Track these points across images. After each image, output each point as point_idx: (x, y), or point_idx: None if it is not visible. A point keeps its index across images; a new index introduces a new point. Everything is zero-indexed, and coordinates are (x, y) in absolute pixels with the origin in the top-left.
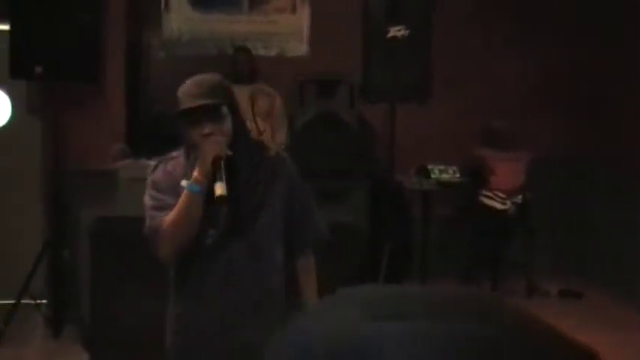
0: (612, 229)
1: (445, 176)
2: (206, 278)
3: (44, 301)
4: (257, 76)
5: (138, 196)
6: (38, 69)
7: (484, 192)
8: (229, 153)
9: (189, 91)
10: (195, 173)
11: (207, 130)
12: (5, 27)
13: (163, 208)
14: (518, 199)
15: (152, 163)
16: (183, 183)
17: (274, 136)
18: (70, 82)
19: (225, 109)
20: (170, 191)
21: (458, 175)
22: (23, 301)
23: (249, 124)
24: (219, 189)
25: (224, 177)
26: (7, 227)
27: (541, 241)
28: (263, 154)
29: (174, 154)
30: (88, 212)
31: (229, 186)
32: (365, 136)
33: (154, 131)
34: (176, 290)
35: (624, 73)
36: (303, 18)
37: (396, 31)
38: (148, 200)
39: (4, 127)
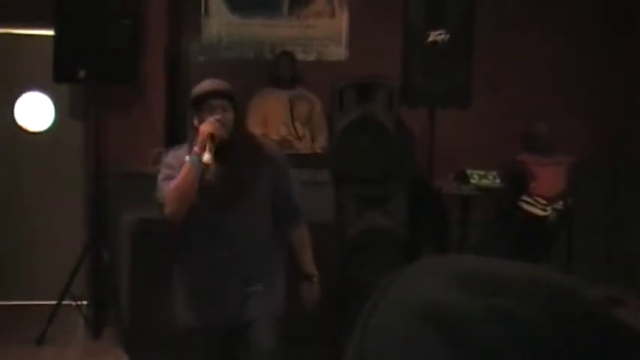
0: None
1: (485, 181)
2: (204, 245)
3: (85, 302)
4: (298, 81)
5: None
6: (81, 73)
7: (524, 198)
8: (224, 136)
9: (203, 84)
10: (195, 148)
11: (216, 116)
12: (49, 32)
13: (171, 177)
14: (560, 204)
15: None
16: (186, 158)
17: (314, 141)
18: (112, 86)
19: (229, 104)
20: (177, 168)
21: (498, 181)
22: (64, 302)
23: (288, 129)
24: (206, 158)
25: (213, 150)
26: (49, 229)
27: (582, 247)
28: (256, 147)
29: (183, 145)
30: (129, 214)
31: (220, 163)
32: (404, 141)
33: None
34: (182, 263)
35: None
36: (342, 22)
37: (436, 36)
38: (160, 175)
39: (47, 130)
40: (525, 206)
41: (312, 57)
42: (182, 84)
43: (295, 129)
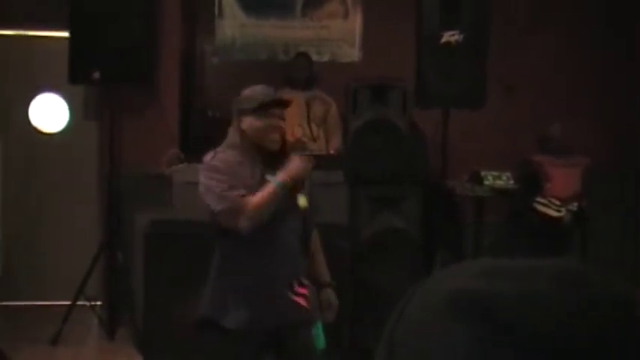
0: None
1: (499, 182)
2: (265, 250)
3: (99, 303)
4: (314, 83)
5: (192, 200)
6: (96, 74)
7: (539, 199)
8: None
9: (263, 90)
10: (286, 177)
11: (281, 124)
12: (64, 34)
13: (235, 187)
14: (574, 206)
15: (207, 156)
16: (269, 177)
17: (329, 143)
18: (126, 87)
19: (284, 113)
20: (231, 175)
21: (512, 182)
22: (79, 303)
23: (304, 130)
24: (302, 201)
25: (307, 190)
26: (64, 230)
27: (596, 250)
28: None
29: (219, 149)
30: (143, 215)
31: (275, 170)
32: (418, 142)
33: (208, 136)
34: (238, 266)
35: None
36: (355, 23)
37: (450, 36)
38: (214, 183)
39: (62, 131)
40: (540, 207)
41: (325, 58)
42: (196, 85)
43: (311, 130)
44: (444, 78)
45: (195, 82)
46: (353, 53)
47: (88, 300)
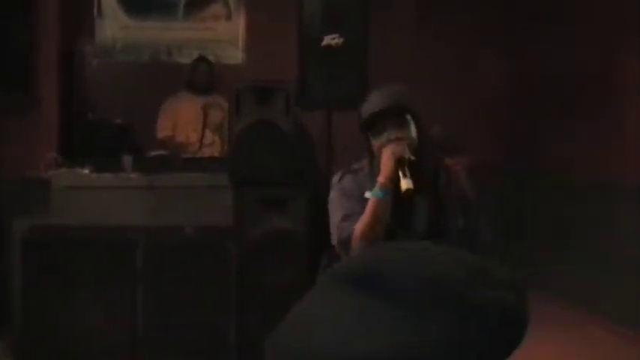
0: (549, 234)
1: None
2: None
3: None
4: (214, 88)
5: (72, 205)
6: None
7: None
8: (412, 158)
9: (372, 99)
10: (380, 178)
11: (392, 136)
12: None
13: (351, 216)
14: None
15: (336, 175)
16: (367, 194)
17: (224, 149)
18: (2, 91)
19: (408, 117)
20: (358, 200)
21: None
22: None
23: (198, 135)
24: (405, 184)
25: (408, 173)
26: None
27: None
28: (441, 165)
29: (355, 166)
30: (21, 221)
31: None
32: (303, 144)
33: (89, 139)
34: None
35: (556, 85)
36: (238, 25)
37: (331, 39)
38: (336, 210)
39: None
40: None
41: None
42: (77, 88)
43: (203, 136)
44: (326, 80)
45: (75, 84)
46: (237, 55)
47: None
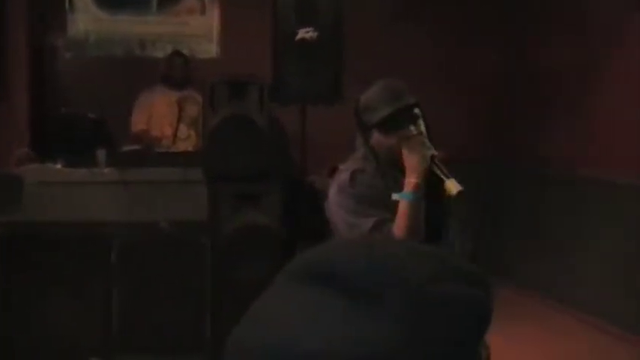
0: (517, 225)
1: None
2: None
3: None
4: (189, 83)
5: (44, 201)
6: None
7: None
8: (435, 153)
9: (380, 97)
10: (412, 179)
11: (412, 132)
12: None
13: (384, 222)
14: None
15: (342, 175)
16: (395, 196)
17: (200, 144)
18: None
19: (418, 110)
20: (380, 205)
21: None
22: None
23: (173, 130)
24: (453, 186)
25: (448, 172)
26: None
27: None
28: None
29: (352, 164)
30: None
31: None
32: (277, 138)
33: (61, 134)
34: None
35: (527, 76)
36: (213, 19)
37: (305, 33)
38: (357, 218)
39: None
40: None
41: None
42: (49, 82)
43: (177, 130)
44: (300, 74)
45: (47, 78)
46: (211, 49)
47: None
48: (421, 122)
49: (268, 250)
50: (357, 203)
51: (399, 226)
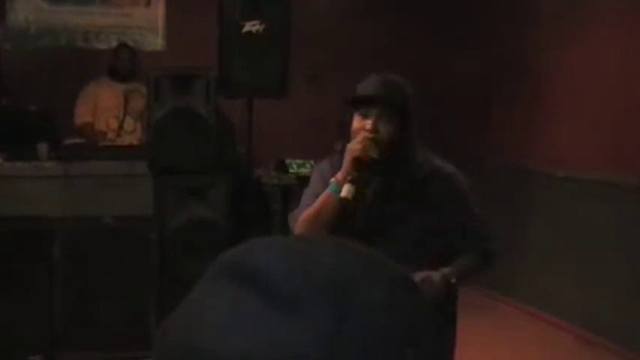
0: None
1: (303, 170)
2: None
3: None
4: (136, 75)
5: None
6: None
7: None
8: (375, 156)
9: (368, 80)
10: (339, 173)
11: (367, 124)
12: None
13: (315, 196)
14: None
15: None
16: (332, 180)
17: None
18: None
19: (393, 113)
20: (325, 182)
21: None
22: None
23: (119, 122)
24: (345, 191)
25: (356, 180)
26: None
27: None
28: (431, 171)
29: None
30: None
31: (368, 190)
32: (223, 132)
33: (2, 127)
34: None
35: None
36: (157, 11)
37: (251, 26)
38: (307, 188)
39: None
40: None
41: None
42: None
43: (123, 122)
44: (247, 67)
45: None
46: (157, 42)
47: None
48: (390, 126)
49: (214, 244)
50: (316, 179)
51: (307, 212)
